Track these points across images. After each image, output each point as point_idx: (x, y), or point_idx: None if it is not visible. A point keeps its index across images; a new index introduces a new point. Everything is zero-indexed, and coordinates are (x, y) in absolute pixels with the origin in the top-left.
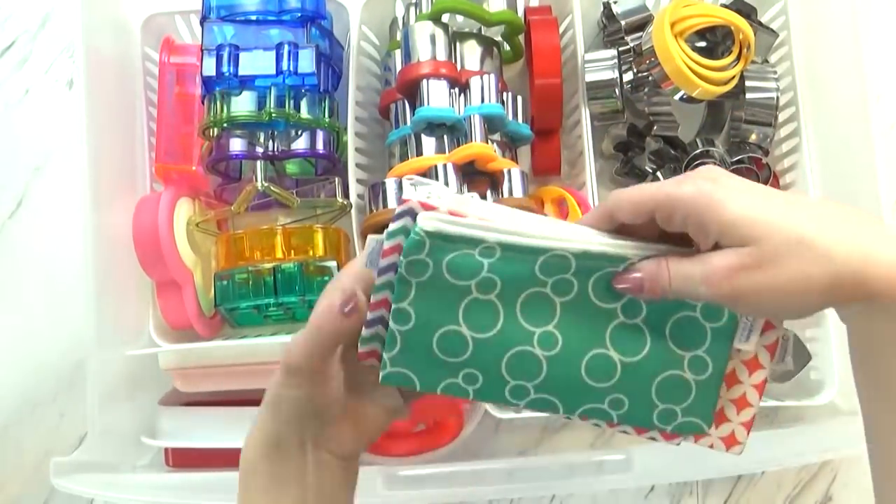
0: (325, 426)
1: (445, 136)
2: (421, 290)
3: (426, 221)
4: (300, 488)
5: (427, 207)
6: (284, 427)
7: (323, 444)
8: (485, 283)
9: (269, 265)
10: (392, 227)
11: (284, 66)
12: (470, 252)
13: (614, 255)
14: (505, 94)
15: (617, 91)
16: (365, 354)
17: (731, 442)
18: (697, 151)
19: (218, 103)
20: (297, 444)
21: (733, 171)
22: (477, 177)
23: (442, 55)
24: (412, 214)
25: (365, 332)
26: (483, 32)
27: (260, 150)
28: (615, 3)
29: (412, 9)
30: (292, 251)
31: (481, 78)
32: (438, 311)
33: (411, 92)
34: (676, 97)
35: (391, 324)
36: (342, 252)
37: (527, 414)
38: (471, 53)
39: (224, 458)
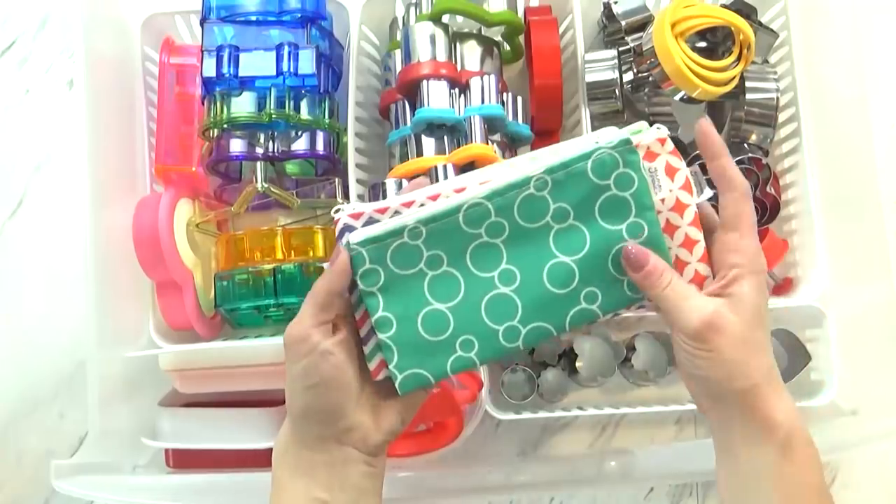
0: (342, 418)
1: (445, 137)
2: (386, 294)
3: (353, 235)
4: (326, 487)
5: (355, 216)
6: (299, 422)
7: (345, 440)
8: (431, 261)
9: (269, 266)
10: (340, 243)
11: (284, 66)
12: (402, 241)
13: (519, 180)
14: (505, 94)
15: (617, 91)
16: (376, 370)
17: (698, 280)
18: (697, 152)
19: (218, 104)
20: (317, 439)
21: None
22: None
23: (442, 56)
24: (349, 229)
25: (365, 348)
26: (483, 33)
27: (260, 150)
28: (615, 3)
29: (412, 9)
30: (292, 252)
31: (481, 78)
32: (409, 303)
33: (411, 92)
34: (676, 98)
35: (379, 335)
36: None
37: (526, 415)
38: (471, 54)
39: (224, 460)
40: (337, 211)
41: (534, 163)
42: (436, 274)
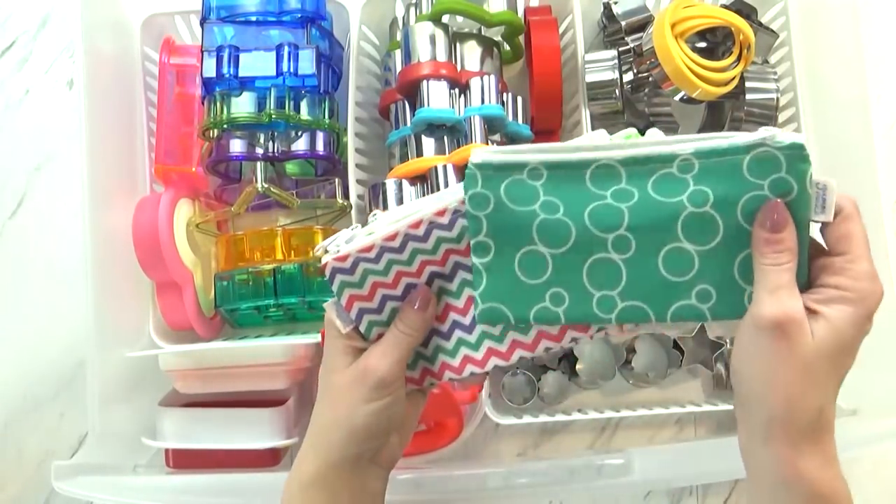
0: (385, 441)
1: (445, 137)
2: (491, 222)
3: (475, 155)
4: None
5: (341, 259)
6: (355, 447)
7: (376, 457)
8: (547, 205)
9: (269, 266)
10: (333, 288)
11: (284, 67)
12: (520, 177)
13: (663, 155)
14: (505, 94)
15: (617, 92)
16: (416, 380)
17: None
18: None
19: (218, 104)
20: (355, 461)
21: None
22: None
23: (442, 56)
24: (340, 272)
25: (363, 325)
26: (483, 33)
27: (260, 151)
28: (615, 3)
29: (412, 9)
30: (292, 252)
31: (481, 79)
32: (513, 236)
33: (411, 92)
34: (676, 98)
35: (473, 259)
36: None
37: (527, 419)
38: (471, 54)
39: (224, 460)
40: (322, 255)
41: (680, 143)
42: (548, 218)
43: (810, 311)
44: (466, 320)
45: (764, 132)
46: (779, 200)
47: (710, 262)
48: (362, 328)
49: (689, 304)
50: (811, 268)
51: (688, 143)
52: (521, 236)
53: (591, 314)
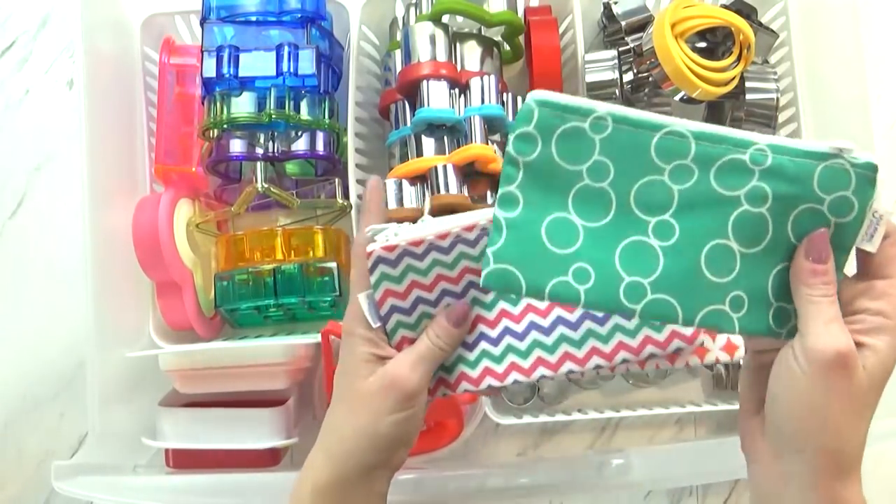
0: (406, 446)
1: (445, 137)
2: (529, 172)
3: (537, 92)
4: None
5: (389, 249)
6: (373, 456)
7: (391, 464)
8: (596, 169)
9: (269, 266)
10: (372, 278)
11: (284, 67)
12: (579, 125)
13: (739, 139)
14: (505, 94)
15: (617, 92)
16: (432, 388)
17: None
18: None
19: (218, 104)
20: (371, 469)
21: None
22: (477, 178)
23: (442, 56)
24: (383, 262)
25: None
26: (483, 33)
27: (260, 151)
28: (615, 3)
29: (412, 9)
30: (292, 252)
31: (481, 79)
32: (547, 196)
33: (411, 92)
34: (676, 98)
35: (496, 211)
36: (342, 253)
37: (527, 420)
38: (471, 54)
39: (224, 460)
40: (370, 242)
41: (760, 138)
42: (592, 185)
43: (856, 344)
44: (494, 333)
45: (842, 143)
46: (825, 231)
47: (749, 268)
48: (389, 326)
49: (721, 311)
50: (847, 289)
51: (763, 137)
52: (557, 199)
53: (616, 300)
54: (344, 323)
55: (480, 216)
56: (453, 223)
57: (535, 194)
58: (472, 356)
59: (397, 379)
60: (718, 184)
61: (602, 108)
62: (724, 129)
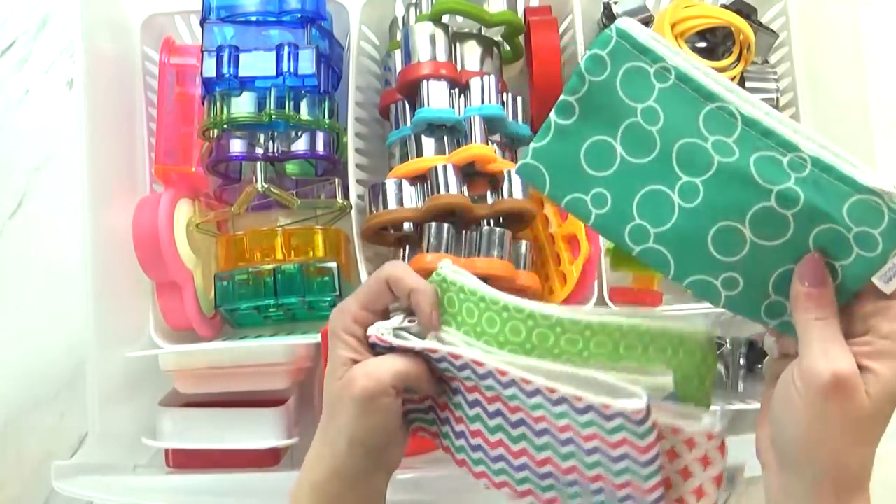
0: (391, 452)
1: (445, 137)
2: (591, 92)
3: (623, 21)
4: None
5: (382, 341)
6: (357, 457)
7: (382, 465)
8: (650, 112)
9: (269, 266)
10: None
11: (285, 67)
12: (646, 67)
13: (786, 140)
14: (505, 94)
15: None
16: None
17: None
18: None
19: (218, 104)
20: (361, 468)
21: None
22: (477, 178)
23: (442, 56)
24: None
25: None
26: (483, 33)
27: (260, 151)
28: (615, 3)
29: (412, 9)
30: (292, 252)
31: (481, 79)
32: (600, 119)
33: (411, 92)
34: None
35: (552, 114)
36: (342, 253)
37: None
38: (471, 54)
39: (224, 460)
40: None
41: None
42: (642, 124)
43: (861, 367)
44: (493, 454)
45: (889, 186)
46: (818, 255)
47: (756, 257)
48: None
49: (711, 283)
50: (867, 304)
51: (812, 144)
52: (609, 123)
53: (620, 234)
54: (329, 323)
55: (504, 364)
56: (469, 353)
57: (589, 113)
58: (475, 455)
59: (353, 381)
60: (757, 171)
61: (671, 59)
62: (774, 121)
